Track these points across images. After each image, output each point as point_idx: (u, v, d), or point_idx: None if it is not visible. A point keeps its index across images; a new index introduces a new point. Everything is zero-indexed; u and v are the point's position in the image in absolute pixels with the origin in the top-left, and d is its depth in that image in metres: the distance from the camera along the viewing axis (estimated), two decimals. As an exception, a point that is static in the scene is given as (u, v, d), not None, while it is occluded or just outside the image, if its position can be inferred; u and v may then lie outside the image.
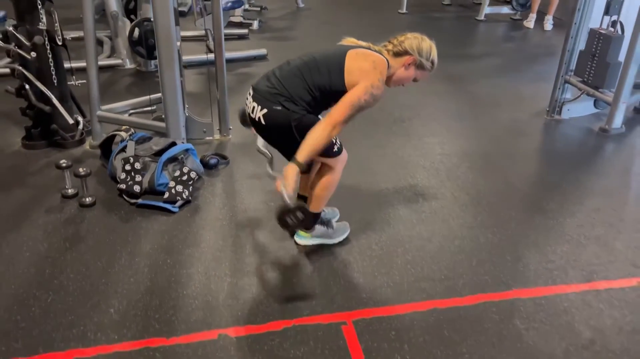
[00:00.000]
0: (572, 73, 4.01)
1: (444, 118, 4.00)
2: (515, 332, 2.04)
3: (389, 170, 3.22)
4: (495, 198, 2.95)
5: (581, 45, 3.94)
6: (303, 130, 2.18)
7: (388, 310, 2.14)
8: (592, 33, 3.85)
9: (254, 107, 2.20)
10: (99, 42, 5.23)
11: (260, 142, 2.44)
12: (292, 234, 2.49)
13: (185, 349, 1.93)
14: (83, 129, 3.44)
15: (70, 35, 4.46)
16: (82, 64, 3.30)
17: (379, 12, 7.25)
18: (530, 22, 6.68)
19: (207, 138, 3.49)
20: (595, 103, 4.08)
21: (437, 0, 8.01)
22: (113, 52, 5.04)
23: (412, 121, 3.91)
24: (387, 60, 2.24)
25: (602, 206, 2.91)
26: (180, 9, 6.06)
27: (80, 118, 3.45)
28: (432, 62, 2.33)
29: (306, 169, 2.44)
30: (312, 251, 2.47)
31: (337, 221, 2.64)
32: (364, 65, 2.18)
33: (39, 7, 3.03)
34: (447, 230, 2.66)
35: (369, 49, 2.27)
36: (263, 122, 2.19)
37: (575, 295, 2.25)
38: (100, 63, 4.89)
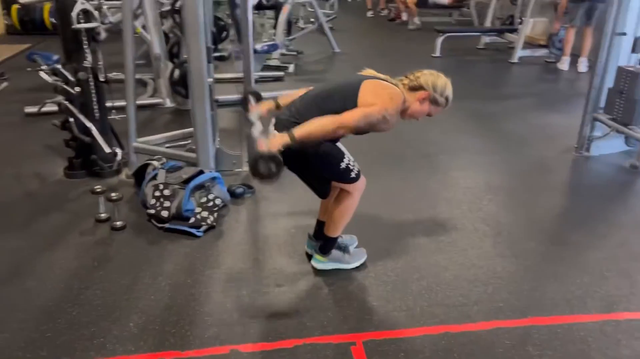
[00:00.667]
0: (602, 110, 4.01)
1: (471, 154, 4.03)
2: (526, 358, 2.02)
3: (411, 201, 3.26)
4: (516, 230, 2.94)
5: (610, 82, 3.95)
6: (319, 157, 2.27)
7: (399, 333, 2.16)
8: (620, 71, 3.86)
9: (275, 135, 2.31)
10: (143, 83, 5.56)
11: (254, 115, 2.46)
12: (265, 178, 2.07)
13: (197, 363, 2.00)
14: (120, 160, 3.64)
15: (117, 76, 4.80)
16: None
17: (413, 56, 7.42)
18: (564, 64, 6.70)
19: (237, 169, 3.63)
20: (627, 141, 4.04)
21: (472, 44, 8.14)
22: (155, 92, 5.33)
23: (438, 156, 3.96)
24: (403, 94, 2.32)
25: (628, 240, 2.86)
26: (221, 54, 6.41)
27: (118, 150, 3.66)
28: (447, 99, 2.37)
29: (325, 195, 2.52)
30: (328, 275, 2.52)
31: (355, 247, 2.69)
32: (380, 93, 2.25)
33: (85, 46, 3.29)
34: (464, 259, 2.66)
35: (387, 81, 2.36)
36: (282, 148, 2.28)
37: (593, 325, 2.21)
38: (143, 102, 5.23)
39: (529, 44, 8.15)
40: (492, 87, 5.98)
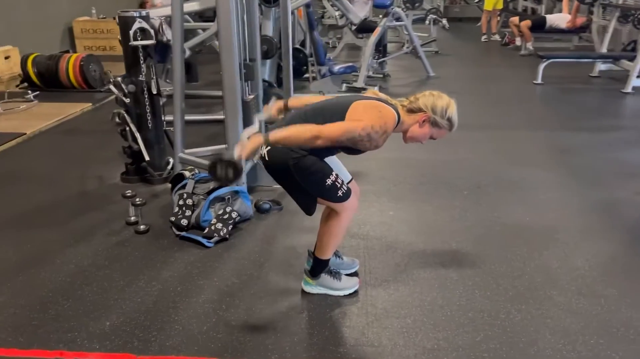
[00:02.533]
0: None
1: (527, 188, 3.67)
2: (483, 418, 1.78)
3: (436, 231, 3.06)
4: (541, 276, 2.62)
5: None
6: (302, 170, 2.21)
7: (357, 369, 2.02)
8: None
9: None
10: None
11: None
12: (220, 182, 2.09)
13: (147, 369, 2.03)
14: (172, 169, 3.86)
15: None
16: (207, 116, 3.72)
17: (511, 83, 7.01)
18: (686, 97, 5.90)
19: (274, 186, 3.66)
20: None
21: (585, 71, 7.48)
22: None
23: (488, 188, 3.67)
24: (399, 115, 2.21)
25: (680, 301, 2.42)
26: (307, 75, 6.56)
27: (171, 159, 3.89)
28: (449, 120, 2.24)
29: (309, 212, 2.42)
30: (312, 298, 2.44)
31: (351, 273, 2.59)
32: (370, 111, 2.16)
33: (141, 62, 3.55)
34: (466, 300, 2.43)
35: (386, 102, 2.26)
36: (267, 158, 2.25)
37: (585, 393, 1.90)
38: (218, 117, 5.51)
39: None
40: (586, 118, 5.42)
